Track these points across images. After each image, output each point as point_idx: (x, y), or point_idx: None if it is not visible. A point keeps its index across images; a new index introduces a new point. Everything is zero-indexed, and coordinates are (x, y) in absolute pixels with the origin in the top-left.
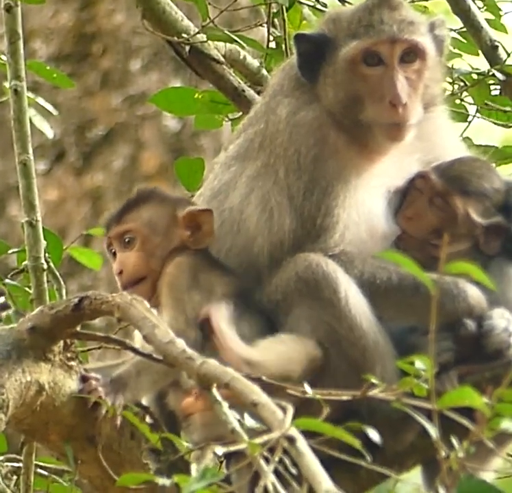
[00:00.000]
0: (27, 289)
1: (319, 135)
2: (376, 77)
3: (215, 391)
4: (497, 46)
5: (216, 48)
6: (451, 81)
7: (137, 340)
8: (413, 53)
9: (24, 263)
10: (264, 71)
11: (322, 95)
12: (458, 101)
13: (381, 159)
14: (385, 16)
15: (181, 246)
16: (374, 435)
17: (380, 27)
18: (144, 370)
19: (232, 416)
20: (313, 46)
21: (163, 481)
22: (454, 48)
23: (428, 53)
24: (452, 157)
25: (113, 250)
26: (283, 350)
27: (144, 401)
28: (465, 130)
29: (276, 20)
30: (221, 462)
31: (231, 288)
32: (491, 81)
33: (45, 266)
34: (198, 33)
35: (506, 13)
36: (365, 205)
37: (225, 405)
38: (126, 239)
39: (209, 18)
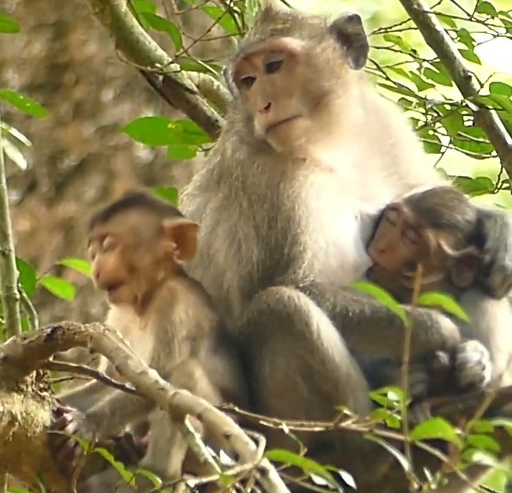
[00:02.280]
0: None
1: (260, 163)
2: (251, 93)
3: (187, 422)
4: (470, 77)
5: (190, 78)
6: (424, 111)
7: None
8: (275, 58)
9: None
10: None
11: (236, 123)
12: (431, 132)
13: (328, 171)
14: (253, 31)
15: (165, 258)
16: (347, 477)
17: (243, 45)
18: (118, 410)
19: (204, 448)
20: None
21: None
22: (427, 78)
23: (293, 51)
24: (418, 174)
25: (93, 251)
26: None
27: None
28: (438, 161)
29: None
30: None
31: (213, 323)
32: (465, 112)
33: (18, 296)
34: (171, 62)
35: (479, 44)
36: (332, 229)
37: (197, 436)
38: (107, 243)
39: (183, 48)
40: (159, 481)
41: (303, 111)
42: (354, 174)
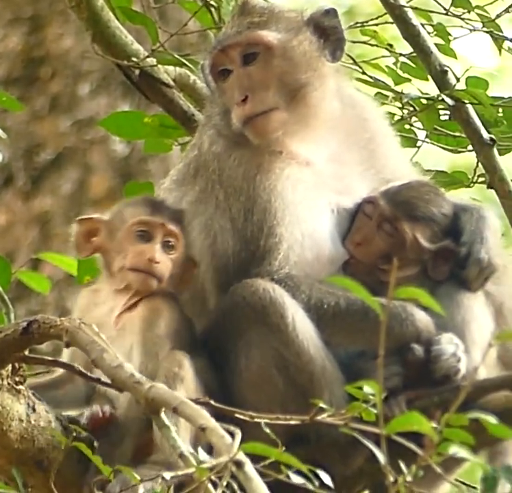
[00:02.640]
0: None
1: (237, 156)
2: (228, 86)
3: (163, 415)
4: (446, 71)
5: (166, 73)
6: (400, 105)
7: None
8: (252, 51)
9: None
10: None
11: (213, 116)
12: (407, 126)
13: (304, 164)
14: (230, 25)
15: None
16: (323, 475)
17: (220, 38)
18: None
19: (180, 441)
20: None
21: None
22: (403, 72)
23: (270, 44)
24: (395, 169)
25: (149, 237)
26: None
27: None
28: (414, 155)
29: None
30: (169, 487)
31: (189, 330)
32: (441, 106)
33: None
34: (148, 57)
35: (455, 38)
36: (308, 222)
37: (173, 429)
38: (171, 243)
39: (159, 42)
40: (138, 477)
41: (280, 104)
42: (330, 168)
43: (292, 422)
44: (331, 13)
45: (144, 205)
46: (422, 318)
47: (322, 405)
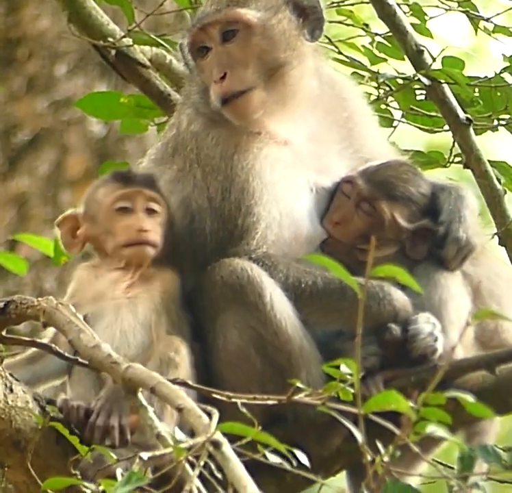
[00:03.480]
0: None
1: (215, 134)
2: (206, 64)
3: (140, 395)
4: (422, 51)
5: (142, 53)
6: (376, 85)
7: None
8: (231, 28)
9: None
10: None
11: (192, 95)
12: (383, 106)
13: (283, 144)
14: (209, 2)
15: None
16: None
17: (199, 16)
18: None
19: (157, 421)
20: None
21: (88, 485)
22: (379, 52)
23: (249, 22)
24: (373, 148)
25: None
26: None
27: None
28: (390, 135)
29: None
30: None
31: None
32: (417, 86)
33: None
34: (124, 37)
35: (431, 18)
36: (286, 201)
37: (150, 409)
38: (153, 207)
39: (135, 23)
40: (114, 456)
41: (258, 83)
42: (309, 147)
43: (269, 402)
44: None
45: (114, 180)
46: (400, 298)
47: (299, 384)
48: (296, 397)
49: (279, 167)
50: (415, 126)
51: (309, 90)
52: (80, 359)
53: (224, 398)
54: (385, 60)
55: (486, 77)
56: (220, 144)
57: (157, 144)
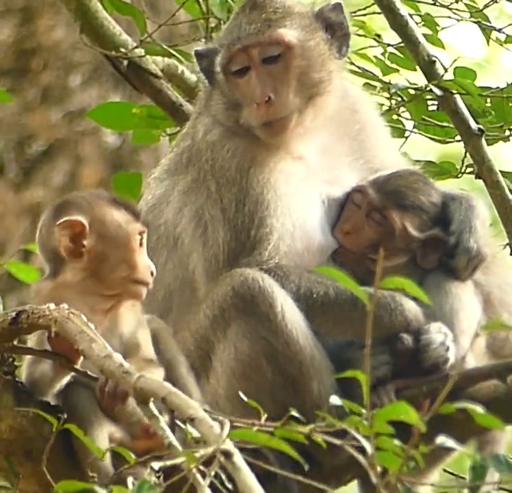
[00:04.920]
0: None
1: (231, 146)
2: (245, 82)
3: (152, 405)
4: (434, 61)
5: (154, 63)
6: (388, 96)
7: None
8: (273, 50)
9: None
10: (202, 86)
11: (212, 105)
12: (395, 116)
13: (297, 159)
14: (244, 19)
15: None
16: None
17: (237, 34)
18: None
19: (169, 431)
20: (210, 61)
21: (101, 491)
22: (391, 63)
23: (291, 44)
24: (384, 159)
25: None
26: None
27: None
28: (402, 145)
29: (214, 34)
30: (159, 477)
31: None
32: (429, 97)
33: None
34: (136, 47)
35: (443, 28)
36: (299, 213)
37: (162, 419)
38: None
39: (147, 33)
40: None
41: (298, 107)
42: (321, 160)
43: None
44: (338, 8)
45: (126, 209)
46: (411, 308)
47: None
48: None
49: (293, 180)
50: (427, 136)
51: (331, 107)
52: (89, 372)
53: (218, 419)
54: (397, 71)
55: (498, 87)
56: (237, 156)
57: (170, 154)
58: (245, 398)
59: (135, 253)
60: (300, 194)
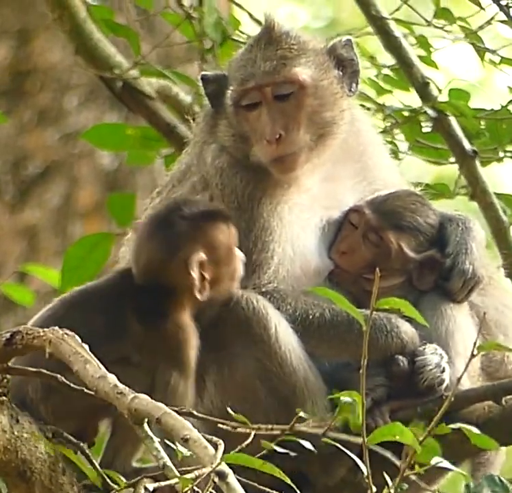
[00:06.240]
0: None
1: (244, 176)
2: (255, 117)
3: (146, 426)
4: (428, 83)
5: (149, 85)
6: (383, 117)
7: None
8: (286, 88)
9: None
10: (196, 107)
11: (219, 134)
12: (389, 138)
13: (304, 191)
14: (260, 55)
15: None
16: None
17: (251, 70)
18: None
19: (163, 452)
20: (217, 86)
21: None
22: (385, 84)
23: (305, 83)
24: (386, 179)
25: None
26: None
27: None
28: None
29: (208, 56)
30: None
31: None
32: (423, 118)
33: None
34: (130, 69)
35: (437, 49)
36: (300, 239)
37: (156, 440)
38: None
39: (141, 55)
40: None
41: (308, 144)
42: (325, 188)
43: (274, 432)
44: (348, 44)
45: (223, 218)
46: (407, 330)
47: (302, 414)
48: (301, 427)
49: (297, 210)
50: (421, 158)
51: (340, 138)
52: (86, 390)
53: (228, 428)
54: (391, 92)
55: (492, 109)
56: (250, 185)
57: (175, 175)
58: (233, 413)
59: (235, 260)
60: (302, 222)
